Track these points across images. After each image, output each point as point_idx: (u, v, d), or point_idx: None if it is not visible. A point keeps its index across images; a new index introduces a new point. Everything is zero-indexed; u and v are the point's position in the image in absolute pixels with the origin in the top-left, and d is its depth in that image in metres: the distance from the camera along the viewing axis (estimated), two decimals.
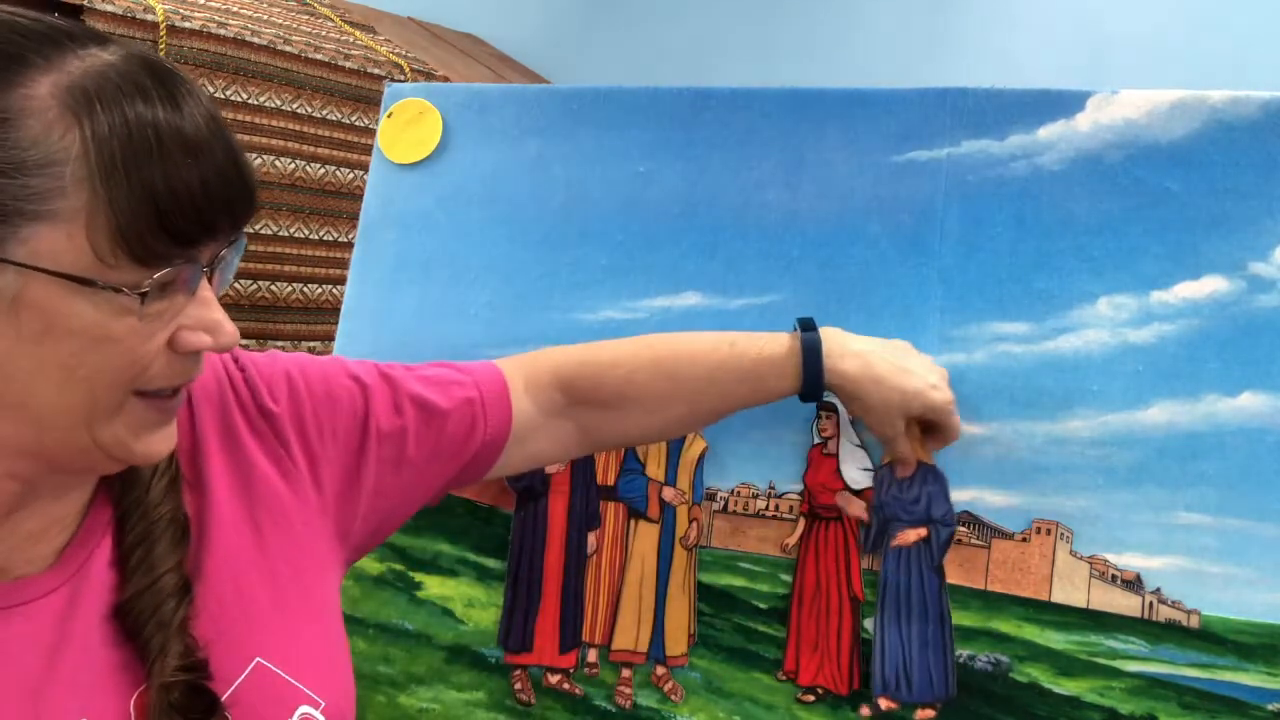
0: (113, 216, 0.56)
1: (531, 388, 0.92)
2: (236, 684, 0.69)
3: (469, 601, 1.12)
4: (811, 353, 0.91)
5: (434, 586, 1.14)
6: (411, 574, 1.14)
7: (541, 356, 0.94)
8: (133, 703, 0.65)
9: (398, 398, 0.84)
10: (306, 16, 2.09)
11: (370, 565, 1.15)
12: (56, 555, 0.66)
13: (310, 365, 0.82)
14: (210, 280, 0.63)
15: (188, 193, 0.58)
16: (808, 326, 0.94)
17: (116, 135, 0.56)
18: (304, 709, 0.72)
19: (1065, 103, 1.02)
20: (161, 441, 0.65)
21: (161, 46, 1.64)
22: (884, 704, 0.99)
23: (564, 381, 0.92)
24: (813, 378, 0.92)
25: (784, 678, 1.03)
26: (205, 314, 0.62)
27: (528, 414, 0.90)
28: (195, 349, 0.62)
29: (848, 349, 0.93)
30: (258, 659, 0.71)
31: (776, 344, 0.93)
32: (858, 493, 1.03)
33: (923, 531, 1.00)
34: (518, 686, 1.09)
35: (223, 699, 0.68)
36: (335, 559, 0.81)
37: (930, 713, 0.98)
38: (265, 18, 1.93)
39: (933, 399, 0.94)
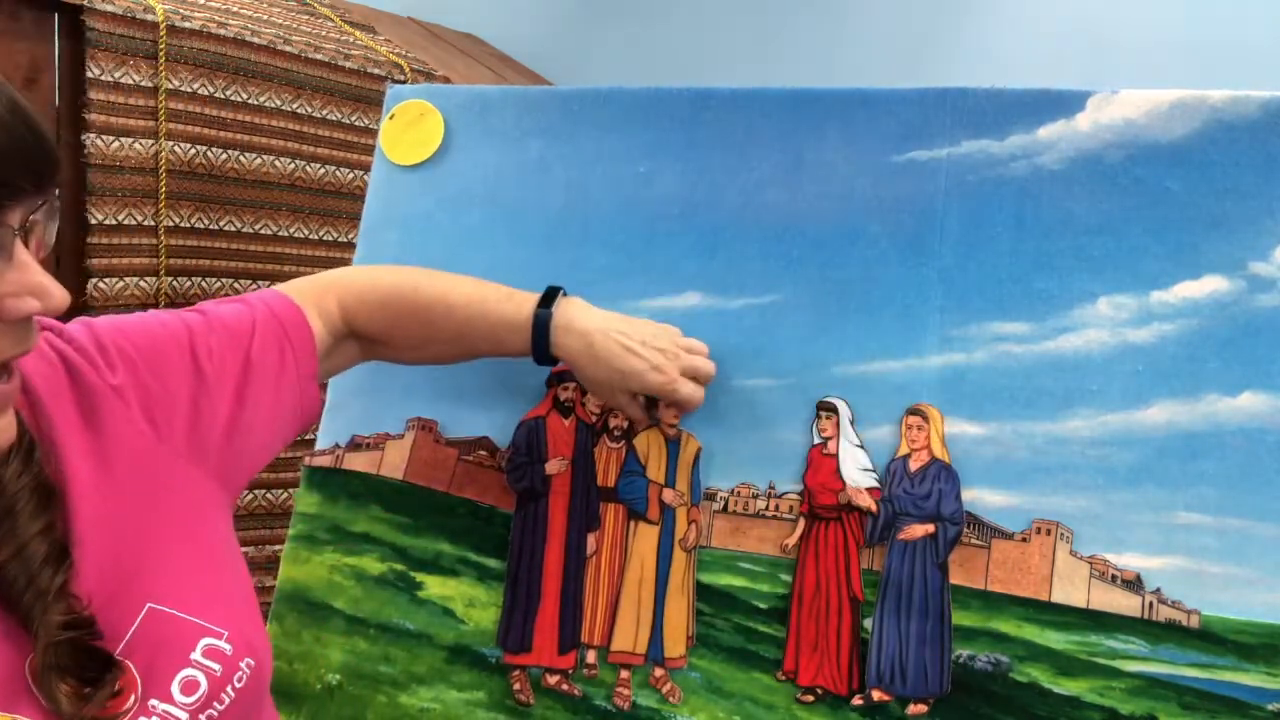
0: None
1: (321, 314, 0.96)
2: (131, 632, 0.70)
3: (469, 601, 1.12)
4: (540, 327, 1.00)
5: (434, 586, 1.14)
6: (412, 574, 1.14)
7: (332, 287, 1.00)
8: (26, 668, 0.65)
9: (214, 331, 0.86)
10: (306, 16, 2.10)
11: (371, 565, 1.15)
12: None
13: (127, 325, 0.83)
14: (27, 244, 0.62)
15: None
16: (549, 297, 1.01)
17: None
18: (207, 641, 0.73)
19: (1065, 103, 1.02)
20: None
21: (161, 46, 1.64)
22: (877, 695, 0.99)
23: (346, 313, 0.99)
24: (539, 350, 1.01)
25: (784, 678, 1.03)
26: (28, 278, 0.61)
27: (321, 337, 0.95)
28: (24, 315, 0.61)
29: (574, 326, 1.00)
30: (149, 605, 0.72)
31: (518, 312, 1.01)
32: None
33: (930, 527, 1.00)
34: (516, 687, 1.09)
35: (118, 650, 0.68)
36: (214, 499, 0.82)
37: (923, 708, 0.98)
38: (265, 18, 1.93)
39: (649, 381, 1.01)
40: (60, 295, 0.62)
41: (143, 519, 0.76)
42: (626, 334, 1.01)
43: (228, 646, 0.74)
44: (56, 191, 0.65)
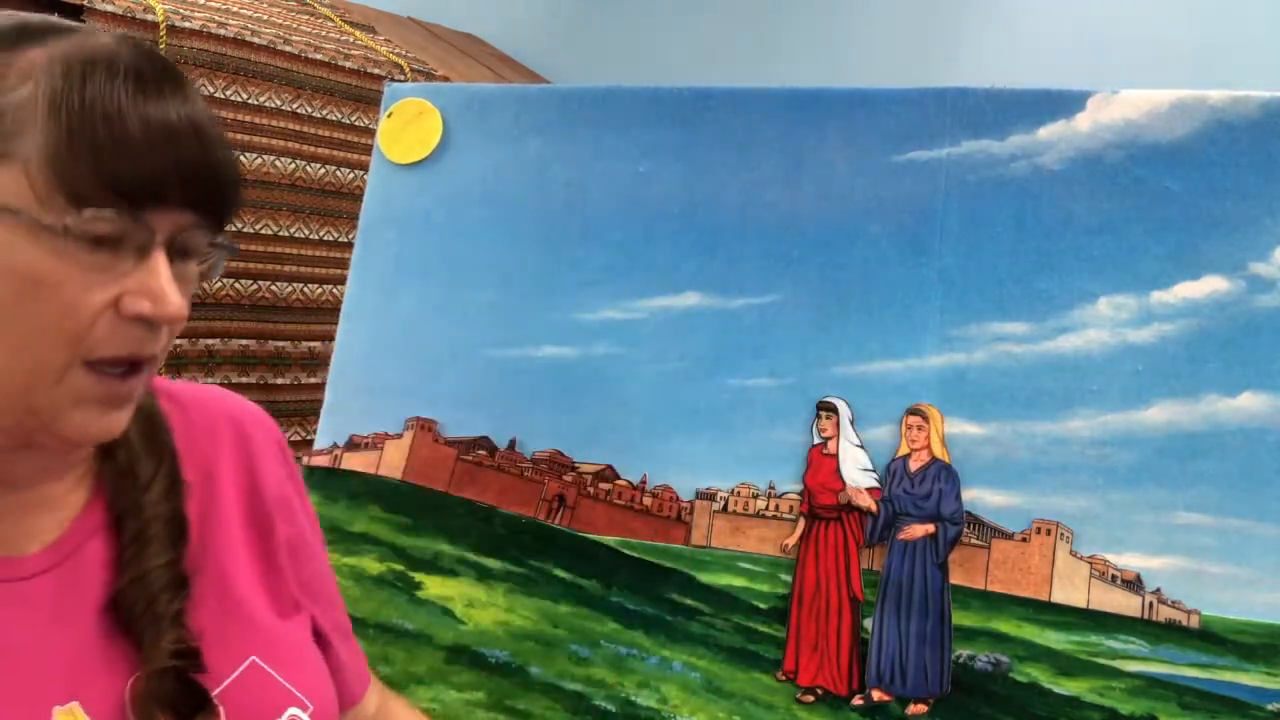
0: (53, 153, 0.58)
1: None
2: (229, 680, 0.71)
3: (469, 601, 1.12)
4: None
5: (434, 586, 1.14)
6: (411, 574, 1.14)
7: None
8: (127, 689, 0.66)
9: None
10: (306, 16, 2.09)
11: (370, 565, 1.15)
12: (50, 543, 0.68)
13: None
14: (171, 258, 0.63)
15: (131, 144, 0.59)
16: None
17: (76, 89, 0.59)
18: (293, 710, 0.73)
19: (1065, 103, 1.02)
20: (101, 424, 0.64)
21: (161, 46, 1.64)
22: (877, 695, 0.99)
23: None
24: None
25: (784, 678, 1.03)
26: (151, 281, 0.62)
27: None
28: (135, 314, 0.62)
29: None
30: (252, 658, 0.73)
31: None
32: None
33: (930, 527, 1.00)
34: None
35: (215, 693, 0.69)
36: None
37: (923, 708, 0.98)
38: (265, 18, 1.93)
39: None
40: (176, 305, 0.63)
41: (270, 571, 0.78)
42: None
43: None
44: (226, 237, 0.66)
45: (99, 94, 0.59)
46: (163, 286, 0.62)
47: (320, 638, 0.82)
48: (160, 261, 0.62)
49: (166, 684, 0.66)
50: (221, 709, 0.69)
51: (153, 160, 0.60)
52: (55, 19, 0.64)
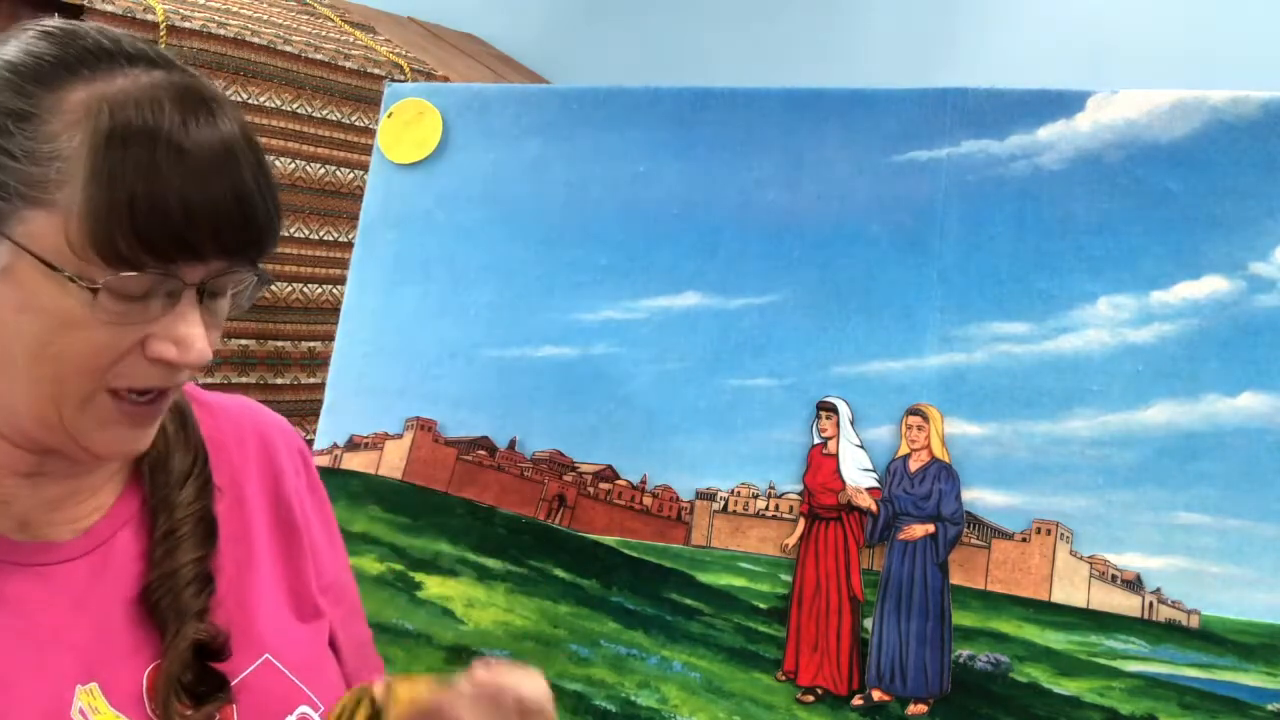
0: (90, 213, 0.59)
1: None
2: (244, 674, 0.72)
3: (469, 601, 1.12)
4: None
5: (434, 586, 1.14)
6: (411, 574, 1.14)
7: None
8: (145, 675, 0.68)
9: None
10: (306, 16, 2.09)
11: (370, 565, 1.15)
12: (84, 531, 0.70)
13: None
14: (203, 300, 0.64)
15: (164, 206, 0.60)
16: None
17: (115, 143, 0.59)
18: (303, 709, 0.75)
19: (1065, 103, 1.02)
20: (126, 442, 0.67)
21: (161, 46, 1.64)
22: (877, 695, 0.99)
23: None
24: None
25: (784, 678, 1.03)
26: (178, 327, 0.63)
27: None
28: (159, 358, 0.63)
29: None
30: (267, 655, 0.74)
31: None
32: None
33: (930, 527, 1.00)
34: None
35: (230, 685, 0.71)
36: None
37: (923, 708, 0.98)
38: (265, 18, 1.93)
39: None
40: (200, 350, 0.64)
41: (290, 574, 0.80)
42: None
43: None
44: (258, 267, 0.67)
45: (139, 158, 0.59)
46: (189, 334, 0.63)
47: (333, 646, 0.83)
48: (189, 308, 0.63)
49: (186, 672, 0.68)
50: (234, 701, 0.71)
51: (189, 222, 0.61)
52: (105, 35, 0.64)
